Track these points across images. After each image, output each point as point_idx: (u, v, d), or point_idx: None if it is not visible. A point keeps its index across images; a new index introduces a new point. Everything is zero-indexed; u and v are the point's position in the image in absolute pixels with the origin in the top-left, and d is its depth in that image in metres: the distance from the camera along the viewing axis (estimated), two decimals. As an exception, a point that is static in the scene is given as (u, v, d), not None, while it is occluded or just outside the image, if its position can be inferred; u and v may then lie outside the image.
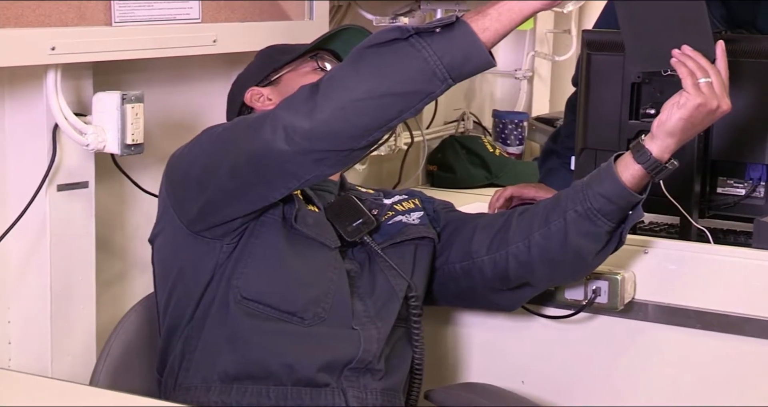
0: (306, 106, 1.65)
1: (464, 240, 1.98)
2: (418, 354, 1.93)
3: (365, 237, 1.89)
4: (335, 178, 1.97)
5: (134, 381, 1.94)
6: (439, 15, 2.84)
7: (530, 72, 3.45)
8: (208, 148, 1.78)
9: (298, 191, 1.85)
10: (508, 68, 3.46)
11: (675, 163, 1.85)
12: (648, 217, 2.26)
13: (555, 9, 3.39)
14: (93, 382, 1.90)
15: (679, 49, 1.81)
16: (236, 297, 1.80)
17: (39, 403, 1.58)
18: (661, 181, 2.09)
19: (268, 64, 2.00)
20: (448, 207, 2.09)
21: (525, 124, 3.25)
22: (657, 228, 2.24)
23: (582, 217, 1.86)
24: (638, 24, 1.81)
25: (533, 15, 1.68)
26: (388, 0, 2.77)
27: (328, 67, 1.97)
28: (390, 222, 1.96)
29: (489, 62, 1.64)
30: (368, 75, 1.63)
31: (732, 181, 2.19)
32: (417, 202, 2.03)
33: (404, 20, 2.76)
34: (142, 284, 2.18)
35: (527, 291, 2.02)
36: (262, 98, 1.97)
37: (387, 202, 2.00)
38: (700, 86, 1.79)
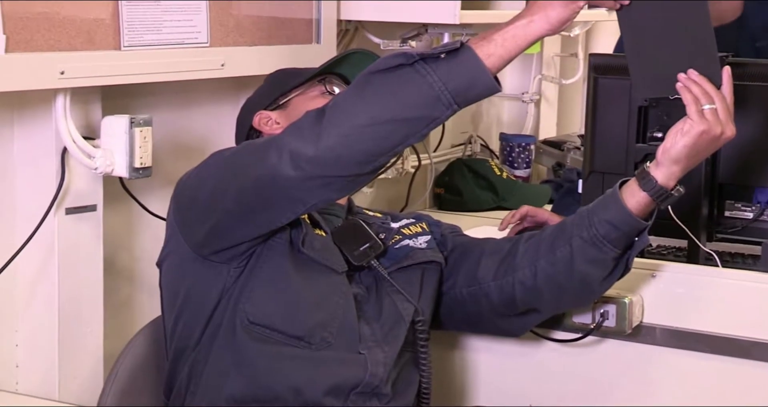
0: (312, 131, 1.65)
1: (471, 265, 1.98)
2: (426, 378, 1.93)
3: (372, 262, 1.89)
4: (342, 201, 1.97)
5: (141, 404, 1.94)
6: (446, 39, 2.85)
7: (537, 95, 3.46)
8: (216, 173, 1.79)
9: (305, 215, 1.85)
10: (515, 91, 3.47)
11: (681, 189, 1.85)
12: (656, 241, 2.25)
13: (562, 33, 3.40)
14: (101, 405, 1.90)
15: (685, 73, 1.79)
16: (243, 322, 1.80)
17: (46, 427, 1.58)
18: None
19: (277, 87, 2.01)
20: (456, 231, 2.09)
21: (532, 147, 3.25)
22: (665, 252, 2.24)
23: (588, 244, 1.86)
24: (645, 48, 1.79)
25: (538, 40, 1.68)
26: (396, 24, 2.78)
27: (336, 90, 1.98)
28: (397, 246, 1.96)
29: (494, 88, 1.64)
30: (373, 101, 1.63)
31: (740, 205, 2.19)
32: (424, 226, 2.03)
33: (412, 44, 2.77)
34: (149, 307, 2.18)
35: (534, 317, 2.02)
36: (270, 122, 1.97)
37: (394, 225, 2.00)
38: (705, 113, 1.78)
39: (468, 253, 2.00)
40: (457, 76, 1.62)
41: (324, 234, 1.89)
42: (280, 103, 1.99)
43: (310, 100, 1.95)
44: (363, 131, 1.62)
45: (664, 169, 1.82)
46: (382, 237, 1.94)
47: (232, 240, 1.79)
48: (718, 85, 1.81)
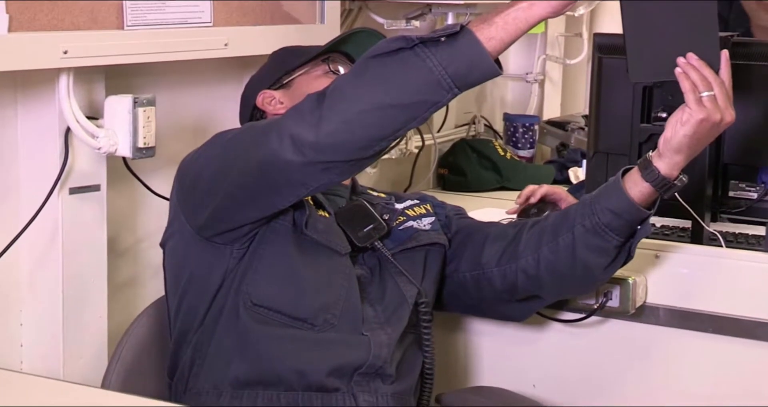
0: (312, 116, 1.64)
1: (475, 250, 1.98)
2: (429, 359, 1.93)
3: (376, 243, 1.89)
4: (347, 182, 1.97)
5: (146, 383, 1.95)
6: (450, 19, 2.84)
7: (541, 75, 3.44)
8: (217, 155, 1.78)
9: (309, 196, 1.85)
10: (519, 72, 3.45)
11: (684, 178, 1.83)
12: (660, 221, 2.25)
13: (566, 13, 3.39)
14: (105, 385, 1.91)
15: (684, 57, 1.77)
16: (246, 304, 1.80)
17: (51, 406, 1.58)
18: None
19: (281, 66, 2.00)
20: (460, 213, 2.09)
21: (536, 127, 3.24)
22: (668, 232, 2.24)
23: (590, 232, 1.85)
24: (644, 31, 1.76)
25: (539, 23, 1.65)
26: (400, 3, 2.77)
27: (341, 70, 1.97)
28: (401, 228, 1.96)
29: (495, 71, 1.62)
30: (373, 86, 1.62)
31: (744, 185, 2.19)
32: (428, 208, 2.03)
33: (415, 24, 2.76)
34: (153, 287, 2.18)
35: (537, 303, 2.02)
36: (273, 101, 1.97)
37: (398, 206, 2.00)
38: (703, 101, 1.76)
39: (472, 237, 2.00)
40: (458, 59, 1.60)
41: (327, 215, 1.89)
42: (284, 82, 1.98)
43: (314, 79, 1.95)
44: (364, 117, 1.61)
45: (667, 160, 1.81)
46: (386, 218, 1.94)
47: (234, 222, 1.79)
48: (716, 70, 1.78)
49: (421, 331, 1.92)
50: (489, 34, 1.61)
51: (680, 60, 1.76)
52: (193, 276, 1.86)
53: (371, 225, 1.89)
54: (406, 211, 1.99)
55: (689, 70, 1.76)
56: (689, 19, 1.76)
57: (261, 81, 2.01)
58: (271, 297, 1.80)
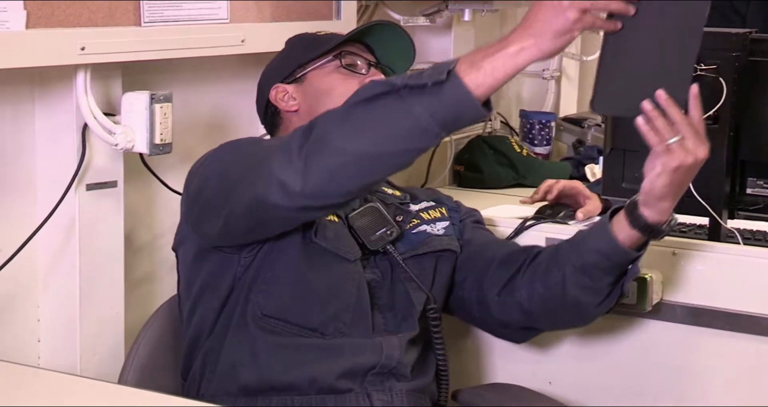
0: (299, 159, 1.58)
1: (480, 270, 1.97)
2: (442, 360, 1.92)
3: (388, 247, 1.89)
4: None
5: (162, 379, 1.95)
6: (466, 16, 2.84)
7: (558, 72, 3.44)
8: (212, 187, 1.77)
9: None
10: (536, 68, 3.44)
11: (674, 222, 1.80)
12: (677, 218, 2.24)
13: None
14: (121, 381, 1.92)
15: (652, 97, 1.66)
16: (256, 314, 1.80)
17: (68, 401, 1.58)
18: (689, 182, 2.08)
19: (294, 59, 1.99)
20: (475, 217, 2.07)
21: (552, 124, 3.23)
22: (686, 229, 2.23)
23: (579, 271, 1.85)
24: (621, 61, 1.62)
25: (528, 65, 1.57)
26: (416, 0, 2.77)
27: (355, 65, 1.95)
28: (414, 231, 1.94)
29: (483, 116, 1.55)
30: (358, 135, 1.56)
31: (762, 182, 2.17)
32: (443, 211, 2.01)
33: (432, 20, 2.76)
34: (170, 283, 2.19)
35: (534, 332, 2.04)
36: (286, 96, 1.96)
37: (413, 208, 1.98)
38: (672, 148, 1.70)
39: (481, 255, 1.98)
40: (445, 107, 1.52)
41: (337, 220, 1.87)
42: (297, 76, 1.97)
43: (327, 75, 1.94)
44: (349, 167, 1.57)
45: (653, 208, 1.77)
46: (400, 220, 1.93)
47: (235, 242, 1.81)
48: (684, 106, 1.68)
49: (432, 335, 1.91)
50: (477, 81, 1.52)
51: (645, 106, 1.65)
52: (204, 283, 1.86)
53: (384, 229, 1.89)
54: (421, 214, 1.98)
55: (654, 117, 1.67)
56: (670, 53, 1.65)
57: (275, 72, 2.00)
58: (280, 307, 1.80)
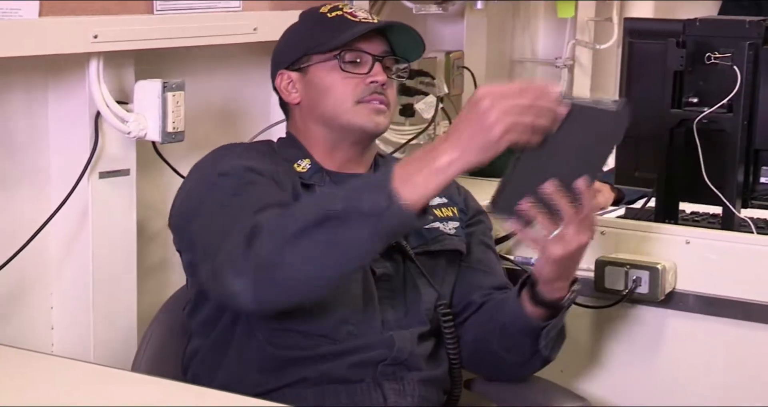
0: (247, 274, 1.61)
1: (462, 291, 1.95)
2: (454, 353, 1.91)
3: (401, 241, 1.88)
4: (364, 169, 1.92)
5: (175, 366, 1.95)
6: (479, 4, 2.83)
7: (571, 60, 3.42)
8: (185, 246, 1.84)
9: None
10: (549, 57, 3.44)
11: (574, 294, 1.82)
12: (690, 207, 2.24)
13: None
14: (134, 368, 1.92)
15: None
16: (262, 327, 1.79)
17: (81, 388, 1.59)
18: (703, 170, 2.08)
19: (301, 43, 1.93)
20: (481, 220, 2.03)
21: (565, 112, 3.23)
22: (699, 218, 2.22)
23: (501, 330, 1.86)
24: (533, 166, 1.60)
25: (462, 173, 1.60)
26: (429, -12, 2.76)
27: (354, 65, 1.88)
28: (427, 226, 1.92)
29: (423, 225, 1.64)
30: (306, 262, 1.59)
31: (775, 171, 2.17)
32: (455, 211, 1.99)
33: (445, 8, 2.75)
34: (181, 270, 2.18)
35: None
36: (289, 86, 1.92)
37: None
38: (554, 240, 1.70)
39: (468, 278, 1.97)
40: (388, 228, 1.58)
41: None
42: (302, 65, 1.92)
43: (327, 73, 1.88)
44: (300, 286, 1.62)
45: (549, 288, 1.80)
46: None
47: None
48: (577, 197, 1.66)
49: (443, 330, 1.91)
50: (413, 197, 1.56)
51: (522, 206, 1.65)
52: (202, 291, 1.85)
53: None
54: (434, 210, 1.96)
55: (535, 214, 1.67)
56: (581, 162, 1.64)
57: (283, 56, 1.95)
58: (288, 318, 1.78)
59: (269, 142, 1.99)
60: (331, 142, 1.89)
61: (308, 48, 1.92)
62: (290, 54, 1.94)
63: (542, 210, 1.66)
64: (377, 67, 1.88)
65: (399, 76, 1.93)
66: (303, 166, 1.88)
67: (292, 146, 1.92)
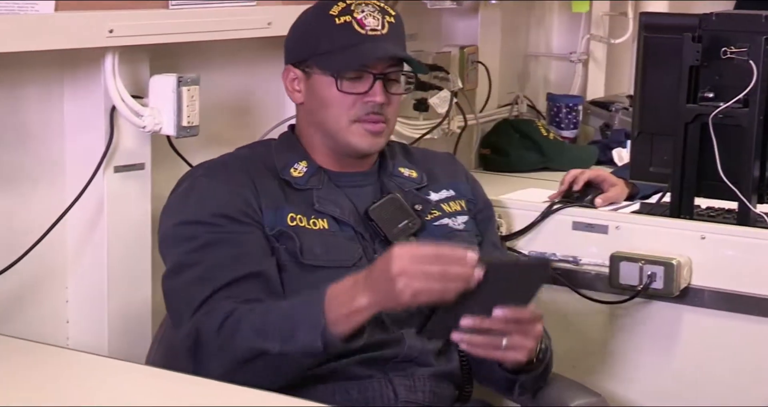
0: (197, 368, 1.72)
1: None
2: (464, 355, 1.91)
3: (410, 240, 1.87)
4: (367, 167, 1.91)
5: (189, 361, 1.96)
6: (494, -3, 2.82)
7: (585, 55, 3.42)
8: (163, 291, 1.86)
9: (299, 215, 1.83)
10: (563, 51, 3.43)
11: (542, 350, 1.81)
12: (705, 202, 2.23)
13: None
14: (149, 361, 1.93)
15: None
16: None
17: (96, 382, 1.60)
18: (719, 166, 2.07)
19: (310, 43, 1.89)
20: (489, 217, 2.03)
21: (579, 107, 3.22)
22: (714, 214, 2.21)
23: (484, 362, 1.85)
24: (460, 301, 1.62)
25: (381, 311, 1.66)
26: (443, -18, 2.76)
27: (356, 80, 1.84)
28: (436, 223, 1.92)
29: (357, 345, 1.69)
30: (244, 376, 1.66)
31: (791, 166, 2.16)
32: (463, 204, 1.98)
33: (459, 2, 2.74)
34: (197, 265, 2.19)
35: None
36: (294, 83, 1.90)
37: (433, 197, 1.95)
38: (505, 350, 1.69)
39: None
40: (320, 359, 1.68)
41: (325, 226, 1.84)
42: (307, 66, 1.88)
43: (327, 87, 1.85)
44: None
45: (510, 363, 1.78)
46: (419, 209, 1.91)
47: None
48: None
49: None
50: (344, 330, 1.64)
51: (456, 338, 1.66)
52: None
53: (406, 221, 1.87)
54: (441, 205, 1.96)
55: (472, 338, 1.67)
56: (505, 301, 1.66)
57: (292, 51, 1.93)
58: None
59: (268, 142, 1.97)
60: (330, 148, 1.89)
61: (311, 53, 1.89)
62: (295, 52, 1.92)
63: (477, 335, 1.67)
64: (377, 86, 1.84)
65: (407, 86, 1.90)
66: (299, 169, 1.88)
67: (290, 148, 1.91)
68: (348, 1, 1.88)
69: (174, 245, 1.83)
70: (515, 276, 1.66)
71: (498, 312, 1.64)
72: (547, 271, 1.66)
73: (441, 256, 1.59)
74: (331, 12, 1.87)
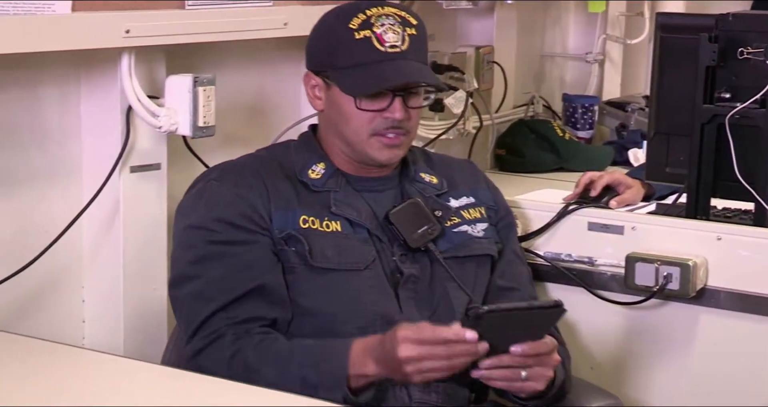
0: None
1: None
2: None
3: (430, 245, 1.88)
4: (386, 171, 1.90)
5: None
6: (509, -3, 2.82)
7: (601, 55, 3.41)
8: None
9: (311, 218, 1.83)
10: (579, 51, 3.42)
11: (558, 379, 1.80)
12: (721, 203, 2.22)
13: None
14: (164, 361, 1.93)
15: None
16: (285, 333, 1.79)
17: (111, 381, 1.60)
18: (735, 166, 2.06)
19: (324, 58, 1.86)
20: (510, 226, 2.03)
21: (595, 108, 3.21)
22: (730, 214, 2.20)
23: None
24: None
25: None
26: (459, -17, 2.76)
27: (372, 97, 1.83)
28: (455, 230, 1.92)
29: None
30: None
31: (809, 167, 2.14)
32: (483, 212, 1.97)
33: (475, 3, 2.74)
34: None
35: None
36: (314, 89, 1.89)
37: (453, 204, 1.95)
38: (525, 381, 1.71)
39: (503, 293, 1.95)
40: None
41: (338, 228, 1.84)
42: (328, 77, 1.86)
43: (346, 101, 1.83)
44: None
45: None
46: (439, 214, 1.90)
47: None
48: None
49: None
50: (358, 386, 1.70)
51: (476, 374, 1.69)
52: None
53: (426, 226, 1.87)
54: (461, 212, 1.95)
55: (491, 373, 1.69)
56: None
57: (311, 56, 1.90)
58: (308, 335, 1.79)
59: (287, 143, 1.96)
60: (349, 155, 1.89)
61: (330, 66, 1.86)
62: (315, 60, 1.90)
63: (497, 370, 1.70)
64: (397, 102, 1.82)
65: (426, 95, 1.90)
66: (317, 171, 1.88)
67: (309, 148, 1.91)
68: (368, 12, 1.84)
69: (179, 250, 1.86)
70: (525, 319, 1.69)
71: (516, 349, 1.67)
72: (562, 313, 1.70)
73: (444, 339, 1.64)
74: (350, 25, 1.83)
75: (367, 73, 1.82)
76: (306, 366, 1.71)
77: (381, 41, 1.83)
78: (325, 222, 1.84)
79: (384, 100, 1.83)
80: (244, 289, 1.78)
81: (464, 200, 1.97)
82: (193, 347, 1.77)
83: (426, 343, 1.64)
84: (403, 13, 1.86)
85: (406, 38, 1.84)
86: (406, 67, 1.83)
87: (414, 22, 1.86)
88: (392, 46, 1.83)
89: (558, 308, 1.68)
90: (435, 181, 1.97)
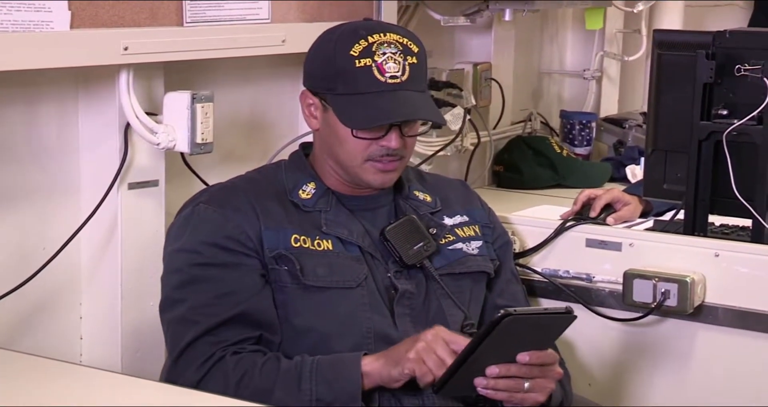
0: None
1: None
2: None
3: (425, 262, 1.88)
4: (380, 190, 1.90)
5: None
6: (507, 16, 2.83)
7: (599, 72, 3.42)
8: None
9: (302, 237, 1.83)
10: (577, 68, 3.43)
11: (558, 395, 1.81)
12: (719, 220, 2.23)
13: (625, 9, 3.36)
14: (162, 378, 1.92)
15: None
16: (277, 350, 1.80)
17: (109, 398, 1.60)
18: (733, 183, 2.07)
19: (323, 81, 1.85)
20: (506, 244, 2.03)
21: (593, 124, 3.22)
22: (728, 231, 2.21)
23: None
24: (481, 353, 1.66)
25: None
26: (457, 0, 2.76)
27: (366, 134, 1.82)
28: (450, 248, 1.93)
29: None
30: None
31: (806, 184, 2.15)
32: (477, 230, 1.98)
33: (473, 20, 2.75)
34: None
35: None
36: (311, 109, 1.89)
37: (448, 222, 1.95)
38: (528, 392, 1.71)
39: (487, 308, 1.97)
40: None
41: (330, 247, 1.84)
42: (325, 100, 1.85)
43: (342, 127, 1.83)
44: None
45: None
46: (433, 232, 1.91)
47: None
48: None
49: None
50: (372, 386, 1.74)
51: (479, 382, 1.69)
52: None
53: (421, 243, 1.87)
54: (456, 230, 1.96)
55: (497, 383, 1.69)
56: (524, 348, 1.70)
57: (308, 75, 1.89)
58: (305, 346, 1.80)
59: (279, 163, 1.96)
60: (341, 176, 1.89)
61: (328, 90, 1.85)
62: (313, 80, 1.88)
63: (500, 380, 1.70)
64: (393, 133, 1.82)
65: (424, 126, 1.90)
66: (308, 191, 1.88)
67: (299, 168, 1.91)
68: (370, 39, 1.82)
69: (166, 274, 1.87)
70: (540, 325, 1.69)
71: (523, 357, 1.67)
72: (572, 320, 1.70)
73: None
74: (351, 52, 1.81)
75: (365, 104, 1.81)
76: (320, 383, 1.72)
77: (381, 71, 1.81)
78: (316, 241, 1.84)
79: (381, 130, 1.83)
80: (228, 314, 1.78)
81: (458, 218, 1.97)
82: (177, 368, 1.78)
83: (452, 345, 1.68)
84: (405, 40, 1.84)
85: (407, 68, 1.83)
86: (406, 99, 1.82)
87: (415, 49, 1.85)
88: (392, 77, 1.82)
89: (569, 314, 1.68)
90: (429, 199, 1.98)
